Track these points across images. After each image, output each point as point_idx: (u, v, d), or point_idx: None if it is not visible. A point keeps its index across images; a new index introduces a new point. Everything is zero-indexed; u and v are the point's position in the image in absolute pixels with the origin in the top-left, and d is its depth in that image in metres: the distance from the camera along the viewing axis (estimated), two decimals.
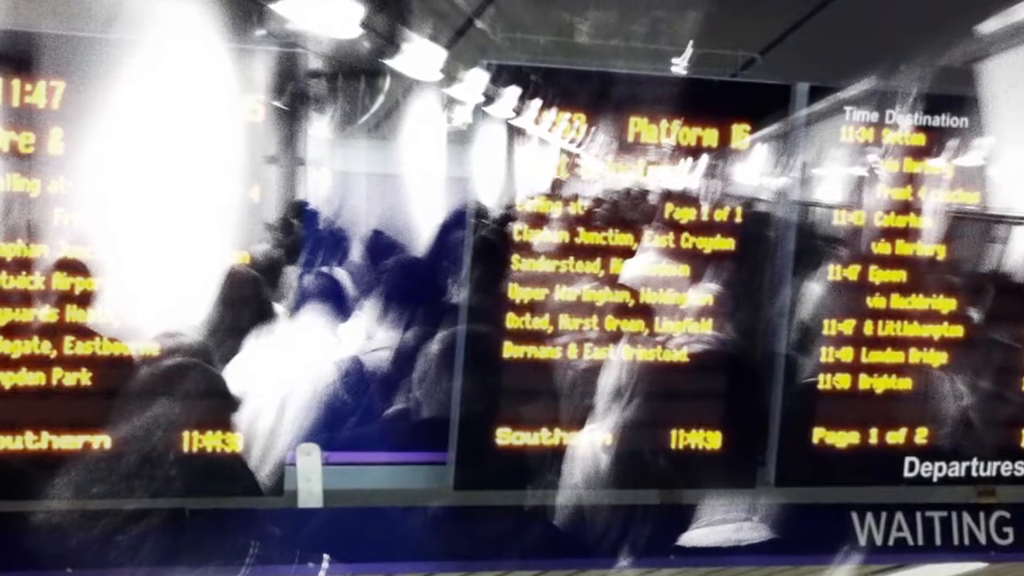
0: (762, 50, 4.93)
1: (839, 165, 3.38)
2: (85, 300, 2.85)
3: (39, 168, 2.79)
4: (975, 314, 3.44)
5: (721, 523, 3.30)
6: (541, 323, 3.21)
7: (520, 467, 3.21)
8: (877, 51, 3.43)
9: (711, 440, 3.29)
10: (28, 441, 2.85)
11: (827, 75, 3.39)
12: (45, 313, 2.82)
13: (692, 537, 3.31)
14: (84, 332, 2.85)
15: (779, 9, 4.62)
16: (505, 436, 3.20)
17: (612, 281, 3.25)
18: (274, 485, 3.03)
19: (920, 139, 3.36)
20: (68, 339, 2.84)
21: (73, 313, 2.84)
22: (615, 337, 3.25)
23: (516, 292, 3.19)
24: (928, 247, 3.37)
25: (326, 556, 3.09)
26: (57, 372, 2.83)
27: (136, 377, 2.90)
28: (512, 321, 3.19)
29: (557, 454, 3.23)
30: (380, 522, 3.20)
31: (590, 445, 3.25)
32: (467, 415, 3.19)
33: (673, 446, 3.27)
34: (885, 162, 3.35)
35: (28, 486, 2.85)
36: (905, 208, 3.36)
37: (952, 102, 3.39)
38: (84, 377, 2.85)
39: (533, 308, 3.20)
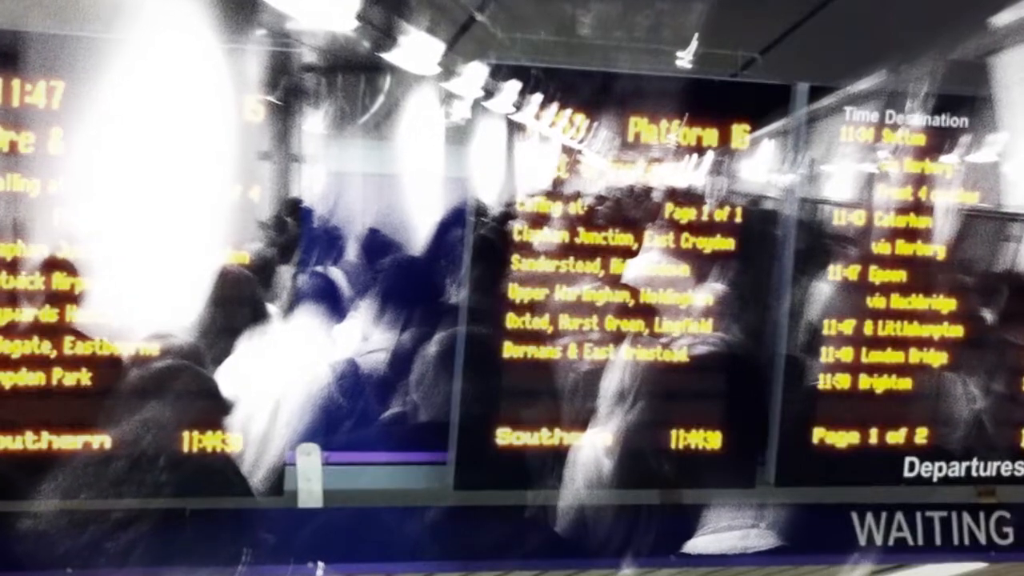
0: (762, 50, 4.92)
1: (839, 165, 3.38)
2: (83, 300, 2.82)
3: (37, 168, 2.76)
4: (976, 313, 3.45)
5: (727, 530, 3.29)
6: (541, 323, 3.20)
7: (520, 467, 3.20)
8: (877, 51, 3.43)
9: (711, 440, 3.28)
10: (28, 441, 2.83)
11: (827, 75, 3.39)
12: (44, 313, 2.80)
13: (697, 544, 3.29)
14: (83, 333, 2.83)
15: (779, 9, 4.61)
16: (505, 436, 3.19)
17: (612, 281, 3.25)
18: (274, 485, 3.02)
19: (920, 139, 3.37)
20: (68, 339, 2.81)
21: (73, 313, 2.81)
22: (615, 337, 3.24)
23: (516, 292, 3.18)
24: (928, 247, 3.38)
25: (321, 563, 3.08)
26: (57, 372, 2.81)
27: (134, 378, 2.87)
28: (512, 321, 3.18)
29: (557, 454, 3.22)
30: (380, 522, 3.18)
31: (590, 445, 3.24)
32: (467, 415, 3.18)
33: (673, 446, 3.27)
34: (885, 162, 3.35)
35: (28, 486, 2.82)
36: (905, 208, 3.37)
37: (952, 102, 3.39)
38: (84, 377, 2.82)
39: (533, 308, 3.19)
